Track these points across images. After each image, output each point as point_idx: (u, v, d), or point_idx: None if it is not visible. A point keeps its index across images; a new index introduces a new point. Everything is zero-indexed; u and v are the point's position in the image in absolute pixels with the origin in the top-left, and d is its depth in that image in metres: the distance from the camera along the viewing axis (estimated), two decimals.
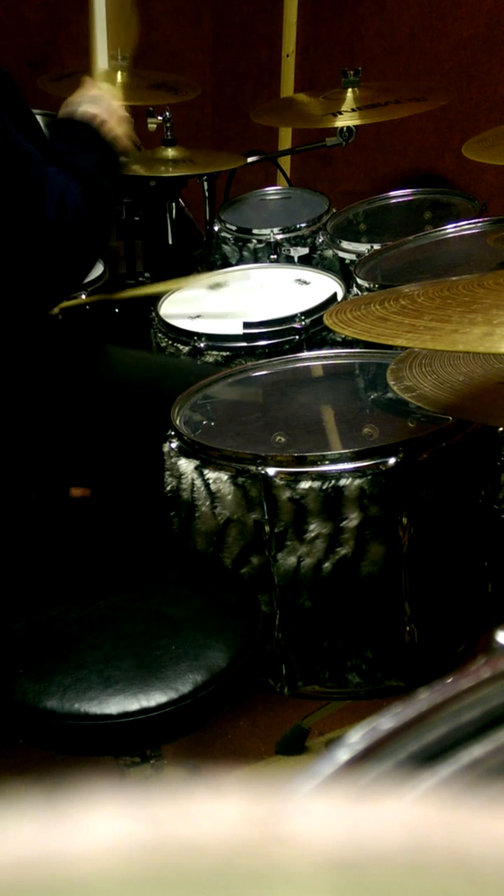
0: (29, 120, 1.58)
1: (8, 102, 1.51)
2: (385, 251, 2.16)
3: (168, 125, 2.51)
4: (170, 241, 2.58)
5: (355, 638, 1.51)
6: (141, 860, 0.20)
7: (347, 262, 2.27)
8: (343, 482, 1.41)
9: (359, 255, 2.23)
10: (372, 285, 1.95)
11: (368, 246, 2.24)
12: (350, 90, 2.42)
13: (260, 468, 1.43)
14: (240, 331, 1.96)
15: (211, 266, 2.49)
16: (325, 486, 1.41)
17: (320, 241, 2.41)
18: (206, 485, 1.48)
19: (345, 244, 2.31)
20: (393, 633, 1.50)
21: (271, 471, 1.43)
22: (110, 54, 2.59)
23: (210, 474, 1.48)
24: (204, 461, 1.49)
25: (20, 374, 1.74)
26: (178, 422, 1.59)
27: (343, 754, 0.38)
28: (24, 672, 1.23)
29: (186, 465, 1.50)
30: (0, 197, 1.47)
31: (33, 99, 1.70)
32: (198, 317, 2.10)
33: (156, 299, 2.18)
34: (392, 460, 1.41)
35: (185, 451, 1.52)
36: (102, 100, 1.71)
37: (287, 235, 2.42)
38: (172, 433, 1.56)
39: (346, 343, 1.88)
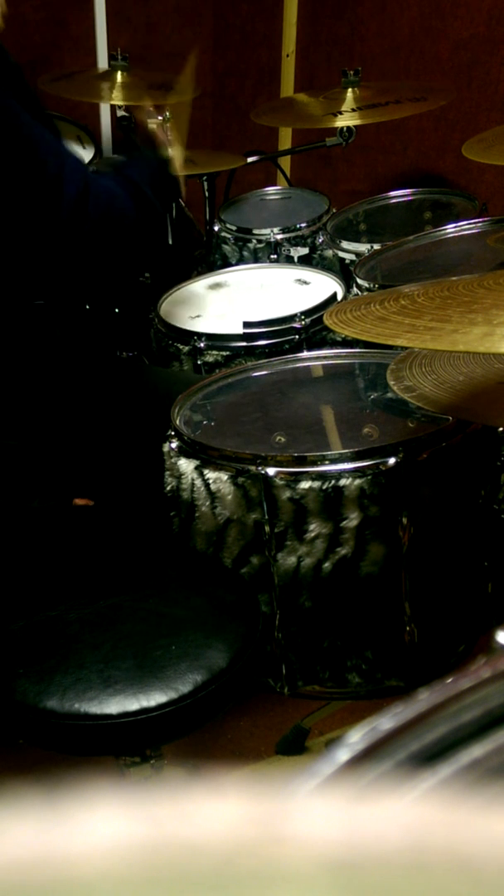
0: (40, 110, 1.61)
1: (19, 92, 1.54)
2: (385, 251, 2.16)
3: (168, 125, 2.51)
4: (170, 241, 2.58)
5: (355, 638, 1.51)
6: (141, 860, 0.20)
7: (347, 262, 2.27)
8: (343, 482, 1.41)
9: (359, 255, 2.23)
10: (372, 285, 1.95)
11: (368, 246, 2.24)
12: (350, 90, 2.42)
13: (260, 468, 1.43)
14: (240, 331, 1.96)
15: (211, 266, 2.49)
16: (325, 486, 1.41)
17: (320, 241, 2.41)
18: (206, 485, 1.48)
19: (345, 244, 2.31)
20: (393, 633, 1.50)
21: (271, 471, 1.43)
22: (110, 54, 2.59)
23: (210, 474, 1.48)
24: (204, 461, 1.49)
25: (23, 380, 1.74)
26: (178, 422, 1.59)
27: (343, 754, 0.38)
28: (24, 672, 1.23)
29: (186, 465, 1.50)
30: (15, 177, 1.49)
31: None
32: (198, 317, 2.10)
33: (155, 299, 2.18)
34: (392, 460, 1.41)
35: (185, 452, 1.52)
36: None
37: (287, 235, 2.42)
38: (172, 433, 1.56)
39: (346, 343, 1.88)
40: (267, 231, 2.43)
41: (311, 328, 1.97)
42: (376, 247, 2.20)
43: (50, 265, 1.61)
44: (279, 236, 2.42)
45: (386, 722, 0.40)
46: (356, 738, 0.39)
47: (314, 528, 1.43)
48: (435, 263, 2.09)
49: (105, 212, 1.58)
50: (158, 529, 1.60)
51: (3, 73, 1.51)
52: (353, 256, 2.26)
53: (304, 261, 2.39)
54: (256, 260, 2.43)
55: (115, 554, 1.49)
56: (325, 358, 1.85)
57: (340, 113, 2.36)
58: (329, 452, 1.45)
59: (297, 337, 1.96)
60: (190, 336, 1.99)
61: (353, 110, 2.36)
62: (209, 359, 1.96)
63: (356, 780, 0.38)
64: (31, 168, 1.50)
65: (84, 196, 1.53)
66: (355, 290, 2.00)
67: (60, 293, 1.71)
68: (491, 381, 1.32)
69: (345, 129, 2.37)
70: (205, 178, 2.55)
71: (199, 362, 1.97)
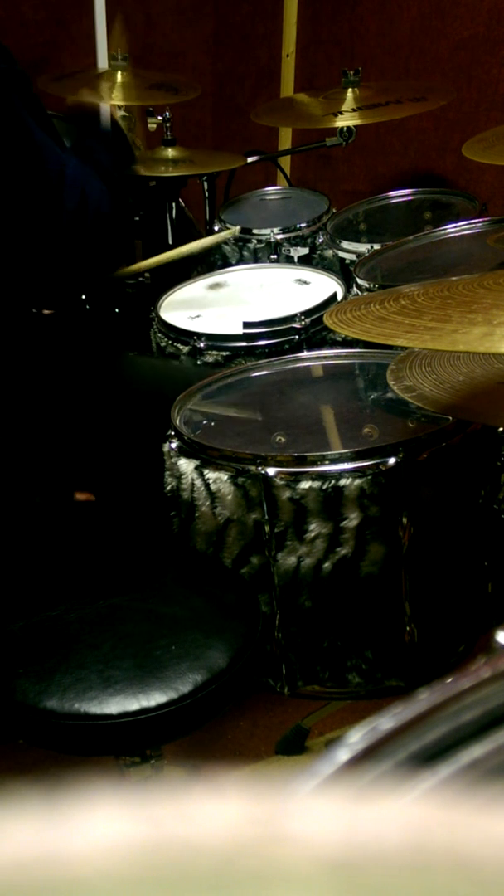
0: (45, 118, 1.63)
1: (26, 101, 1.56)
2: (385, 251, 2.16)
3: (168, 125, 2.51)
4: (170, 241, 2.58)
5: (355, 638, 1.51)
6: (141, 860, 0.20)
7: (347, 262, 2.27)
8: (343, 482, 1.41)
9: (359, 255, 2.23)
10: (372, 285, 1.95)
11: (368, 246, 2.24)
12: (350, 90, 2.42)
13: (260, 468, 1.43)
14: (240, 331, 1.96)
15: (211, 266, 2.49)
16: (325, 486, 1.41)
17: (320, 241, 2.41)
18: (206, 485, 1.48)
19: (345, 244, 2.31)
20: (393, 633, 1.50)
21: (271, 471, 1.43)
22: (110, 54, 2.59)
23: (210, 474, 1.48)
24: (204, 461, 1.49)
25: (24, 377, 1.74)
26: (178, 422, 1.59)
27: (343, 754, 0.38)
28: (24, 672, 1.23)
29: (186, 465, 1.50)
30: (20, 187, 1.51)
31: None
32: (198, 317, 2.10)
33: (156, 299, 2.18)
34: (392, 460, 1.41)
35: (185, 451, 1.52)
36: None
37: (287, 235, 2.42)
38: (172, 433, 1.56)
39: (346, 343, 1.88)
40: (267, 231, 2.43)
41: (311, 328, 1.97)
42: (376, 247, 2.20)
43: (46, 269, 1.64)
44: (279, 236, 2.41)
45: (386, 722, 0.40)
46: (356, 738, 0.39)
47: (314, 528, 1.43)
48: (435, 263, 2.09)
49: (94, 217, 1.62)
50: (158, 529, 1.60)
51: (12, 81, 1.54)
52: (353, 256, 2.26)
53: (304, 261, 2.39)
54: (256, 260, 2.43)
55: (115, 554, 1.49)
56: (325, 358, 1.85)
57: (340, 113, 2.35)
58: (329, 452, 1.45)
59: (297, 337, 1.96)
60: (190, 336, 1.99)
61: (353, 110, 2.36)
62: (209, 359, 1.96)
63: (356, 780, 0.38)
64: (35, 176, 1.53)
65: (83, 207, 1.57)
66: (355, 290, 2.00)
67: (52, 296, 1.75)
68: (491, 381, 1.32)
69: (345, 129, 2.37)
70: (205, 178, 2.55)
71: (199, 362, 1.97)
